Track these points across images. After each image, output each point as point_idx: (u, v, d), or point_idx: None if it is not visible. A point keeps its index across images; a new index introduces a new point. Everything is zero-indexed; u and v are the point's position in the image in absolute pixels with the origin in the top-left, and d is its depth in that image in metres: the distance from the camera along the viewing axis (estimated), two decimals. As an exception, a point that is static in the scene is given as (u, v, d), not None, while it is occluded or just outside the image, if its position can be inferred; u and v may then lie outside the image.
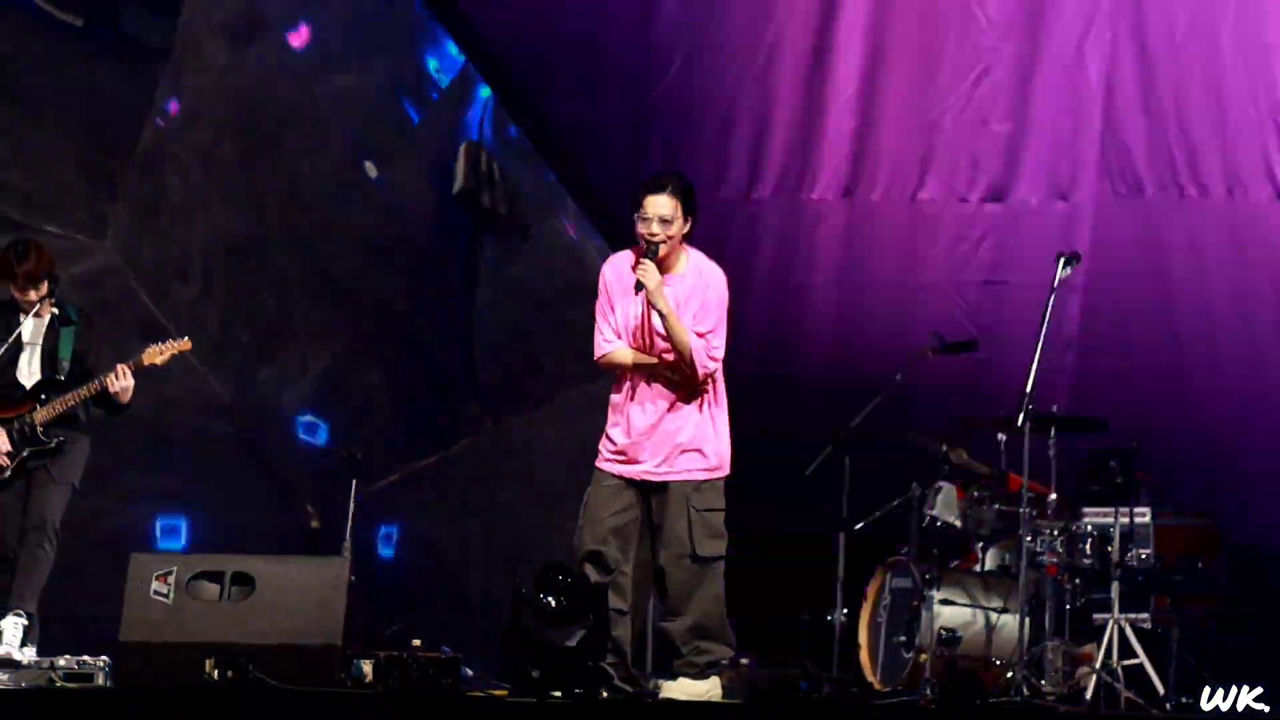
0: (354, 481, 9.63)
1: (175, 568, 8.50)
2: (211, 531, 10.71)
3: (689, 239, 8.32)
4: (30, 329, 9.11)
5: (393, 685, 8.56)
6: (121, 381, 9.00)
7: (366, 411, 11.65)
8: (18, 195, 10.70)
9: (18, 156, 10.76)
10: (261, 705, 7.90)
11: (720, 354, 8.27)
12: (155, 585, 8.46)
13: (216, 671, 8.27)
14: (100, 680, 8.41)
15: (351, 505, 9.53)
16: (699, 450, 8.27)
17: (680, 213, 8.19)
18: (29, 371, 9.10)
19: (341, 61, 11.79)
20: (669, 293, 8.20)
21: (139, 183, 11.16)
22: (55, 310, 9.15)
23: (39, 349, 9.11)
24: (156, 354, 9.12)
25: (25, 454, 8.98)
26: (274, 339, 11.61)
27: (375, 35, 11.88)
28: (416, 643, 9.21)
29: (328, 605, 8.47)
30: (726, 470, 8.33)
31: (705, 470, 8.28)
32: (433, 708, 7.97)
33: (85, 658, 8.48)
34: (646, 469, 8.29)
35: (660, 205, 8.18)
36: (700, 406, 8.28)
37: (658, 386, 8.29)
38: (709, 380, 8.28)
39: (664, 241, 8.18)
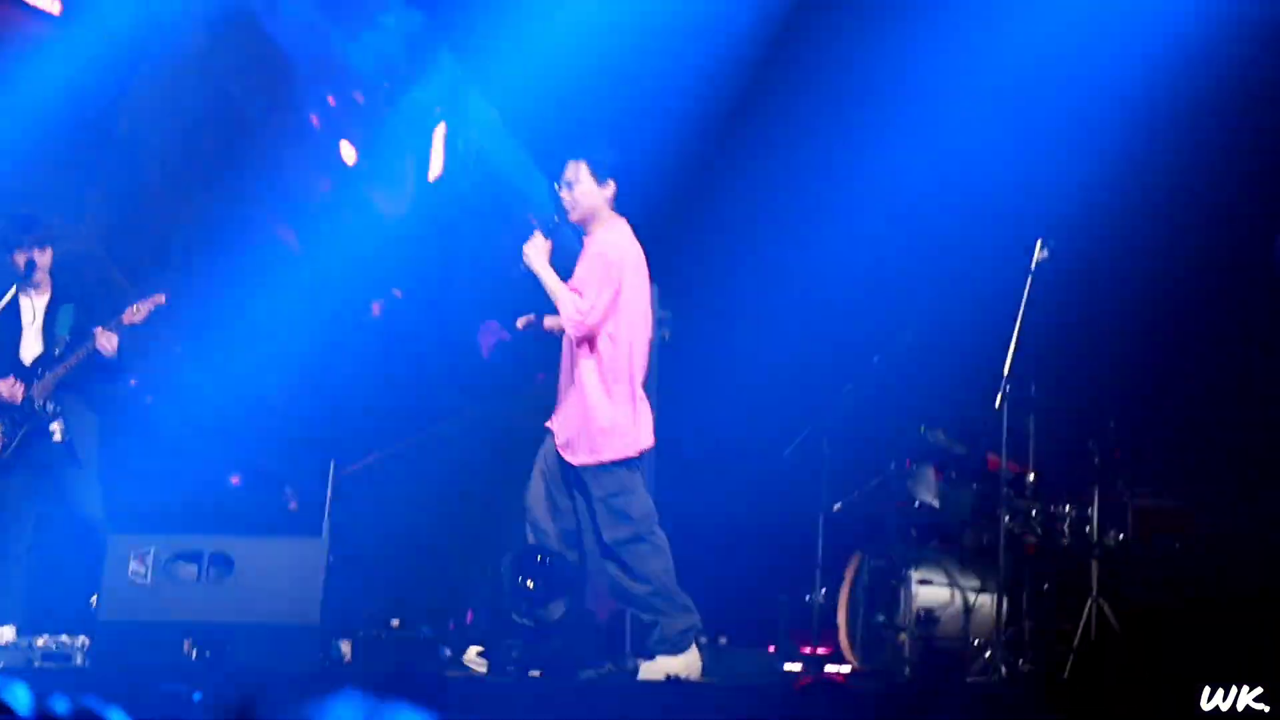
0: (332, 463, 9.63)
1: (153, 548, 8.51)
2: (190, 513, 10.70)
3: (622, 208, 8.38)
4: (30, 307, 9.21)
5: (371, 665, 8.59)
6: (106, 340, 9.09)
7: (346, 396, 11.63)
8: (-6, 180, 10.71)
9: (-5, 143, 10.77)
10: (239, 685, 7.91)
11: (592, 317, 8.25)
12: (133, 566, 8.47)
13: (194, 651, 8.29)
14: (78, 660, 8.41)
15: (329, 487, 9.53)
16: (599, 431, 8.28)
17: (587, 176, 8.28)
18: (30, 350, 9.20)
19: (320, 47, 11.79)
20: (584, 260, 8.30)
21: (116, 169, 11.15)
22: (36, 288, 9.25)
23: (38, 327, 9.21)
24: (135, 312, 9.20)
25: (24, 431, 9.05)
26: (254, 324, 11.59)
27: (353, 19, 11.86)
28: (395, 623, 9.23)
29: (306, 586, 8.48)
30: (629, 453, 8.29)
31: (610, 453, 8.28)
32: (410, 688, 7.97)
33: (63, 637, 8.48)
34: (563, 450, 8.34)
35: (568, 170, 8.35)
36: (599, 384, 8.29)
37: (566, 361, 8.35)
38: (597, 352, 8.26)
39: (572, 207, 8.29)
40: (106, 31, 11.06)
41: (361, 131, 11.95)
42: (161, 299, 9.26)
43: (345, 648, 8.67)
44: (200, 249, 11.41)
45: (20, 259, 9.31)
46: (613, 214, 8.41)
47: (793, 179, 11.84)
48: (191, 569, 8.54)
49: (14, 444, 9.09)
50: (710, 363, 10.39)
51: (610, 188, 8.34)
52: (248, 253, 11.38)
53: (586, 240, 8.42)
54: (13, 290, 9.25)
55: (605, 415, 8.24)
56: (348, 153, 11.86)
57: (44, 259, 9.30)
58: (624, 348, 8.31)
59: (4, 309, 9.23)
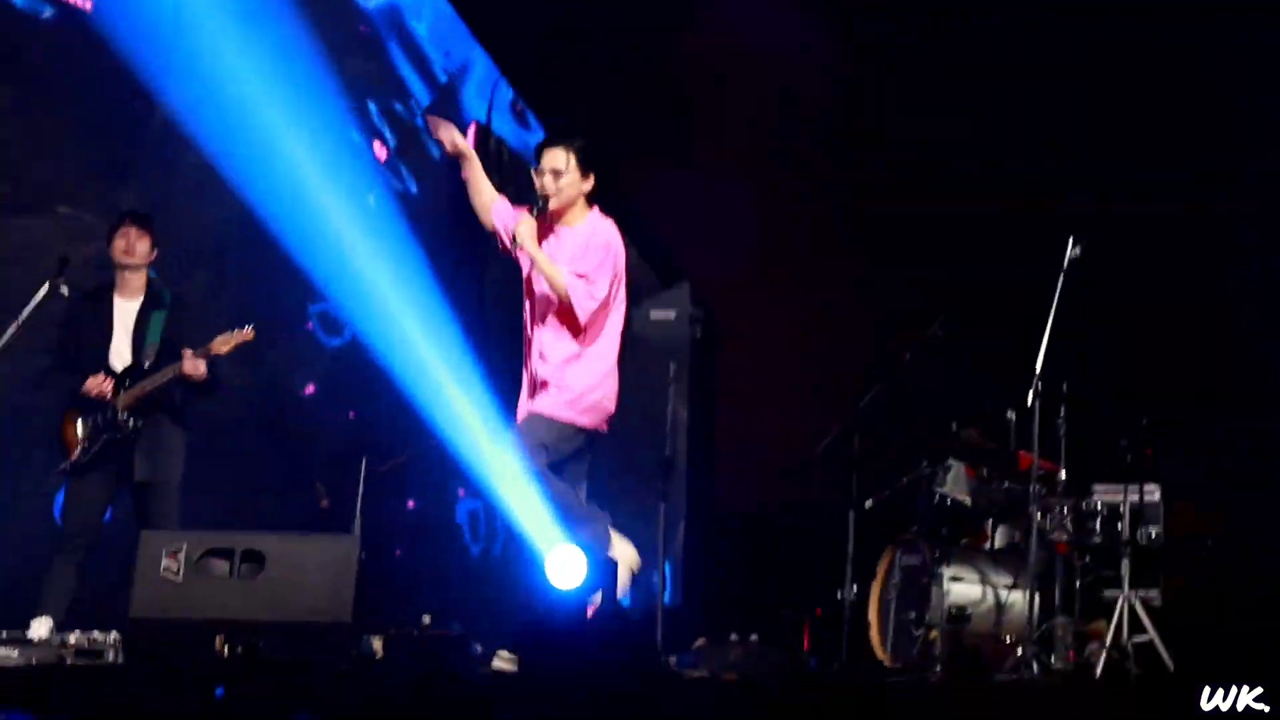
0: (364, 460, 9.64)
1: (185, 545, 8.52)
2: (223, 511, 10.72)
3: (594, 199, 8.33)
4: (123, 311, 9.23)
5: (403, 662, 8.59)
6: (193, 367, 9.13)
7: (378, 392, 11.65)
8: (30, 176, 10.71)
9: (29, 138, 10.77)
10: (271, 682, 7.92)
11: (599, 297, 8.20)
12: (165, 562, 8.47)
13: (227, 648, 8.30)
14: (111, 656, 8.44)
15: (361, 484, 9.54)
16: (556, 388, 8.23)
17: (574, 167, 8.22)
18: (120, 356, 9.23)
19: (351, 45, 11.80)
20: (564, 246, 8.24)
21: (150, 164, 11.18)
22: (145, 293, 9.29)
23: (129, 332, 9.24)
24: (223, 343, 9.26)
25: (104, 439, 9.11)
26: (287, 320, 11.62)
27: (384, 19, 11.88)
28: (426, 619, 9.24)
29: (338, 583, 8.48)
30: (581, 420, 8.25)
31: (559, 405, 8.22)
32: (442, 684, 7.98)
33: (96, 634, 8.51)
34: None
35: (553, 158, 8.23)
36: (583, 360, 8.25)
37: (544, 335, 8.31)
38: (588, 335, 8.24)
39: (554, 195, 8.21)
40: (140, 22, 11.08)
41: (394, 130, 11.96)
42: (250, 335, 9.29)
43: (377, 644, 8.67)
44: (233, 244, 11.43)
45: (120, 242, 9.33)
46: (588, 205, 8.37)
47: (824, 171, 11.83)
48: (223, 565, 8.56)
49: (95, 448, 9.15)
50: (741, 360, 10.35)
51: (591, 181, 8.31)
52: (281, 248, 11.41)
53: (563, 229, 8.32)
54: (45, 286, 9.19)
55: (579, 381, 8.21)
56: (379, 151, 11.88)
57: (143, 246, 9.34)
58: (612, 331, 8.33)
59: (96, 311, 9.25)
